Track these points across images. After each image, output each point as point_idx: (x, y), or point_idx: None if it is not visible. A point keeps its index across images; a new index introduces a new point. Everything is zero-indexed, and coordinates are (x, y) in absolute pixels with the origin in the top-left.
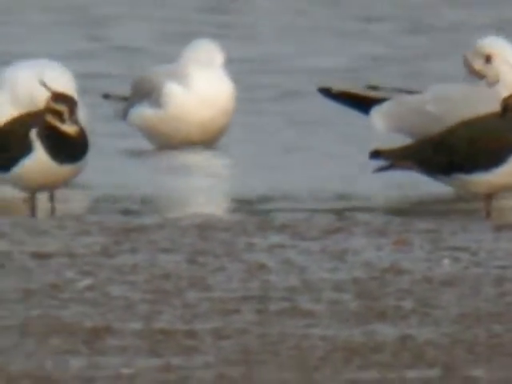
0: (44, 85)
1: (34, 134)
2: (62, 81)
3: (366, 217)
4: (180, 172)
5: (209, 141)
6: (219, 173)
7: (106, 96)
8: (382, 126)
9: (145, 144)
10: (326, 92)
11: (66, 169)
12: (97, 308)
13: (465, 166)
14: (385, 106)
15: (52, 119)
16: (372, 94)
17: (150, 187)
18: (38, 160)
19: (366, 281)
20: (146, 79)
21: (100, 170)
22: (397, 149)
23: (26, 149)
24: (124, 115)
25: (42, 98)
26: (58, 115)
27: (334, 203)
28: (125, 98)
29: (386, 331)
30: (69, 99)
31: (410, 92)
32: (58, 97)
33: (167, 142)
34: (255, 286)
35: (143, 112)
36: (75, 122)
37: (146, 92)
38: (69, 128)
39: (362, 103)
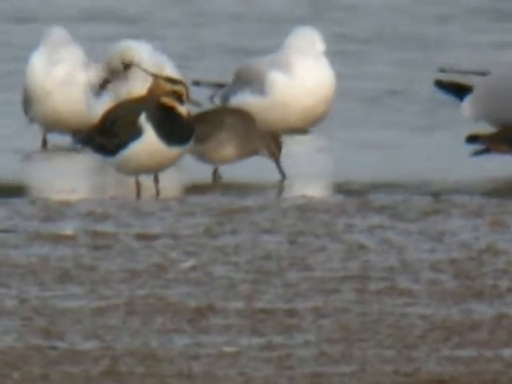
0: (145, 70)
1: (143, 117)
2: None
3: (463, 199)
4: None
5: (309, 127)
6: (319, 156)
7: (197, 83)
8: (471, 114)
9: None
10: (440, 84)
11: (173, 151)
12: (200, 288)
13: None
14: (473, 94)
15: (170, 101)
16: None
17: (250, 170)
18: (147, 142)
19: (463, 261)
20: (249, 68)
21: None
22: (493, 133)
23: (136, 132)
24: (223, 101)
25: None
26: (178, 97)
27: (432, 186)
28: (216, 85)
29: (483, 310)
30: (183, 82)
31: (480, 73)
32: (174, 80)
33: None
34: (355, 266)
35: (246, 99)
36: (193, 104)
37: (248, 80)
38: (184, 110)
39: (462, 92)
